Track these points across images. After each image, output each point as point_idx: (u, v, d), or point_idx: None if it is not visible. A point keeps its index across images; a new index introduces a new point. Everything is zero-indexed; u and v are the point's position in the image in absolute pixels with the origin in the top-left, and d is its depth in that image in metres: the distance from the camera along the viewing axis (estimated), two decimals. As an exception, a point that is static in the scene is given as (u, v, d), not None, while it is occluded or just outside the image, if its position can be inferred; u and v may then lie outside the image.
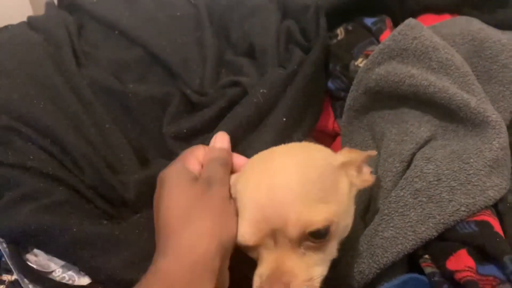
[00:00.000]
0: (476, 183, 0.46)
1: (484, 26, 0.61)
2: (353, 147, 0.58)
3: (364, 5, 0.69)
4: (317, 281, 0.40)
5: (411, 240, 0.46)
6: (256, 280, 0.40)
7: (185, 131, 0.58)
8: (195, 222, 0.40)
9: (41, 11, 0.76)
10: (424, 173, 0.49)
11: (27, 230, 0.45)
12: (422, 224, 0.46)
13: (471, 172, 0.47)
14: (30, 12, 1.04)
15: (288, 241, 0.39)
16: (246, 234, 0.40)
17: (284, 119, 0.57)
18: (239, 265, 0.43)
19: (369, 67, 0.57)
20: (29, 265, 0.45)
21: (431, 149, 0.52)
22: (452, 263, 0.43)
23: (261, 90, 0.58)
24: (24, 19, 0.72)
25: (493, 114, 0.50)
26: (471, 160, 0.48)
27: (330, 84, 0.66)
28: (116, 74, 0.63)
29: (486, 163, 0.47)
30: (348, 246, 0.49)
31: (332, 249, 0.42)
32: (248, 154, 0.52)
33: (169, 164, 0.47)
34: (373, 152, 0.49)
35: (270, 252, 0.40)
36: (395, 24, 0.68)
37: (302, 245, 0.40)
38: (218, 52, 0.68)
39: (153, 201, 0.46)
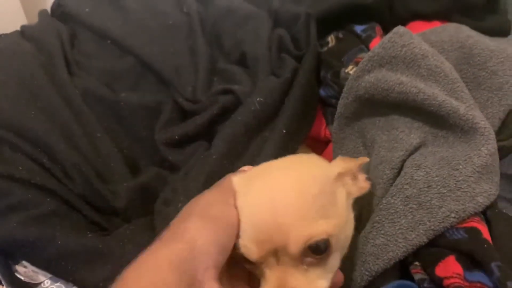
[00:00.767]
0: (465, 190, 0.46)
1: (472, 33, 0.61)
2: (344, 154, 0.58)
3: (354, 12, 0.70)
4: None
5: (402, 247, 0.46)
6: None
7: (177, 137, 0.59)
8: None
9: (35, 19, 0.76)
10: (415, 180, 0.49)
11: (13, 241, 0.45)
12: (412, 231, 0.46)
13: (460, 178, 0.47)
14: (24, 21, 1.04)
15: (290, 259, 0.39)
16: (250, 251, 0.39)
17: (284, 131, 0.58)
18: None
19: (359, 75, 0.57)
20: (17, 277, 0.45)
21: (421, 156, 0.52)
22: (440, 270, 0.43)
23: (258, 99, 0.58)
24: (18, 27, 0.73)
25: (482, 121, 0.50)
26: (460, 166, 0.48)
27: (321, 91, 0.66)
28: (109, 83, 0.63)
29: (475, 169, 0.47)
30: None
31: (334, 262, 0.42)
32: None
33: (160, 171, 0.47)
34: (366, 159, 0.49)
35: (272, 270, 0.40)
36: (385, 31, 0.68)
37: (304, 261, 0.40)
38: (210, 60, 0.68)
39: (143, 210, 0.46)
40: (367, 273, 0.47)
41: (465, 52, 0.58)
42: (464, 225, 0.45)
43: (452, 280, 0.41)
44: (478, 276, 0.41)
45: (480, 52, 0.57)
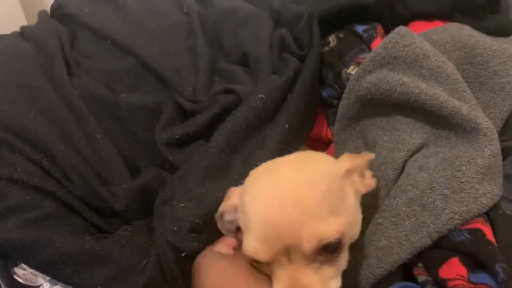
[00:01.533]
0: (469, 191, 0.46)
1: (474, 32, 0.61)
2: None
3: (355, 12, 0.69)
4: None
5: (405, 250, 0.45)
6: None
7: (177, 137, 0.58)
8: None
9: (35, 20, 0.76)
10: (417, 181, 0.49)
11: (11, 244, 0.44)
12: (416, 233, 0.45)
13: (463, 179, 0.47)
14: (23, 21, 1.04)
15: (302, 257, 0.38)
16: (259, 251, 0.39)
17: (287, 126, 0.57)
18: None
19: (360, 75, 0.57)
20: (16, 279, 0.45)
21: (424, 157, 0.51)
22: (444, 271, 0.42)
23: (259, 96, 0.58)
24: (17, 28, 0.73)
25: (485, 121, 0.50)
26: (464, 167, 0.47)
27: (322, 92, 0.66)
28: (108, 83, 0.63)
29: (478, 170, 0.47)
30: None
31: (343, 260, 0.42)
32: (251, 161, 0.52)
33: (161, 172, 0.47)
34: (372, 155, 0.49)
35: (284, 269, 0.39)
36: (386, 31, 0.68)
37: (316, 259, 0.39)
38: (210, 60, 0.68)
39: (143, 211, 0.45)
40: (371, 276, 0.47)
41: (467, 52, 0.58)
42: (468, 226, 0.45)
43: (456, 282, 0.41)
44: (482, 277, 0.40)
45: (482, 52, 0.57)
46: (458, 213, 0.45)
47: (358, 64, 0.62)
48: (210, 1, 0.77)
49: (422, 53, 0.54)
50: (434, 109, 0.51)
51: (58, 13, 0.75)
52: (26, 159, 0.51)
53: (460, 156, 0.49)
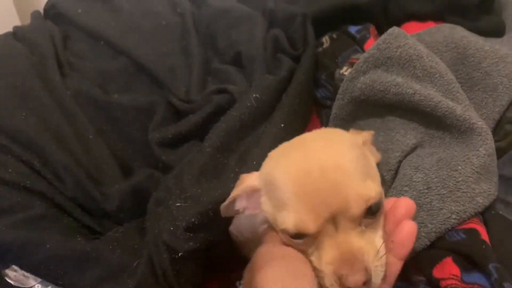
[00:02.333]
0: (465, 190, 0.46)
1: (467, 33, 0.61)
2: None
3: (348, 13, 0.70)
4: (383, 255, 0.38)
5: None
6: (328, 269, 0.38)
7: (170, 136, 0.58)
8: None
9: (28, 20, 0.76)
10: (414, 182, 0.49)
11: (1, 245, 0.44)
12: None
13: (460, 179, 0.47)
14: (16, 22, 1.03)
15: (349, 222, 0.37)
16: (306, 222, 0.37)
17: (282, 125, 0.57)
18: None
19: (354, 76, 0.57)
20: (7, 281, 0.44)
21: (419, 158, 0.52)
22: (438, 271, 0.42)
23: (254, 95, 0.58)
24: (11, 28, 0.72)
25: (479, 121, 0.50)
26: (459, 167, 0.48)
27: (316, 92, 0.66)
28: (101, 84, 0.63)
29: (474, 169, 0.47)
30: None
31: (381, 224, 0.41)
32: (246, 160, 0.52)
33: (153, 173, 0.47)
34: (372, 132, 0.49)
35: (331, 237, 0.38)
36: (380, 32, 0.68)
37: (362, 222, 0.38)
38: (204, 60, 0.68)
39: (136, 212, 0.45)
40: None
41: (459, 53, 0.58)
42: (464, 226, 0.45)
43: (449, 282, 0.41)
44: (475, 277, 0.40)
45: (474, 52, 0.57)
46: (455, 213, 0.45)
47: (351, 65, 0.62)
48: (204, 1, 0.77)
49: (415, 53, 0.54)
50: (428, 109, 0.51)
51: (51, 14, 0.75)
52: (17, 159, 0.50)
53: (456, 156, 0.49)
